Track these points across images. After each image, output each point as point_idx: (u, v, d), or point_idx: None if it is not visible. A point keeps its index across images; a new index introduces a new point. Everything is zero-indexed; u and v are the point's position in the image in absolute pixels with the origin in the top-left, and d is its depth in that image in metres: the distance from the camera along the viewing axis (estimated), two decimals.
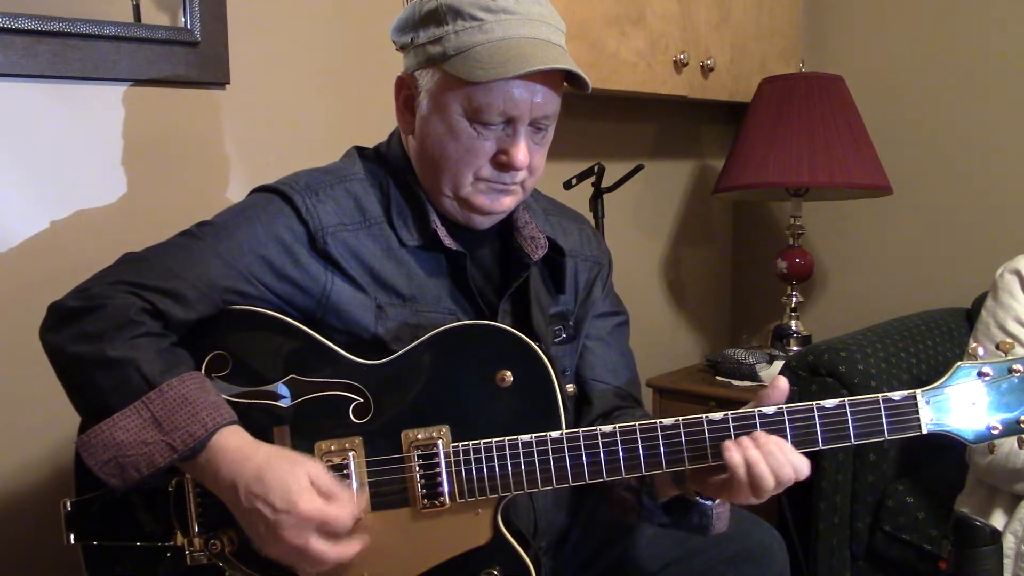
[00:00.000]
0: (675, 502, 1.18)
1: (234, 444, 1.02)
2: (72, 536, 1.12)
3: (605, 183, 2.12)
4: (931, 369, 2.06)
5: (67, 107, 1.51)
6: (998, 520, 1.63)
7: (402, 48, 1.20)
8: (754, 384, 2.38)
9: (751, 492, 1.05)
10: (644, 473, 1.10)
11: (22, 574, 1.49)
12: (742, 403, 1.13)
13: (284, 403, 1.11)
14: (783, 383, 1.10)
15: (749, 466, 1.04)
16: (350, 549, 1.04)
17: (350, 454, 1.09)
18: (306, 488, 1.01)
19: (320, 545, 1.01)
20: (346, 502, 1.03)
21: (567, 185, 2.06)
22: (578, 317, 1.33)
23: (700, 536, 1.20)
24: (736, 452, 1.05)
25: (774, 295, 2.71)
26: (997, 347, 1.12)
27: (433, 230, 1.19)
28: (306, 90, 1.82)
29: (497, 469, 1.09)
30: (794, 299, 2.57)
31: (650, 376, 2.53)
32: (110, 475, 1.01)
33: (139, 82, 1.58)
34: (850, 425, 1.08)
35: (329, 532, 1.01)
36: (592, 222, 1.91)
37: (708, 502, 1.15)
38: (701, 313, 2.94)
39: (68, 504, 1.12)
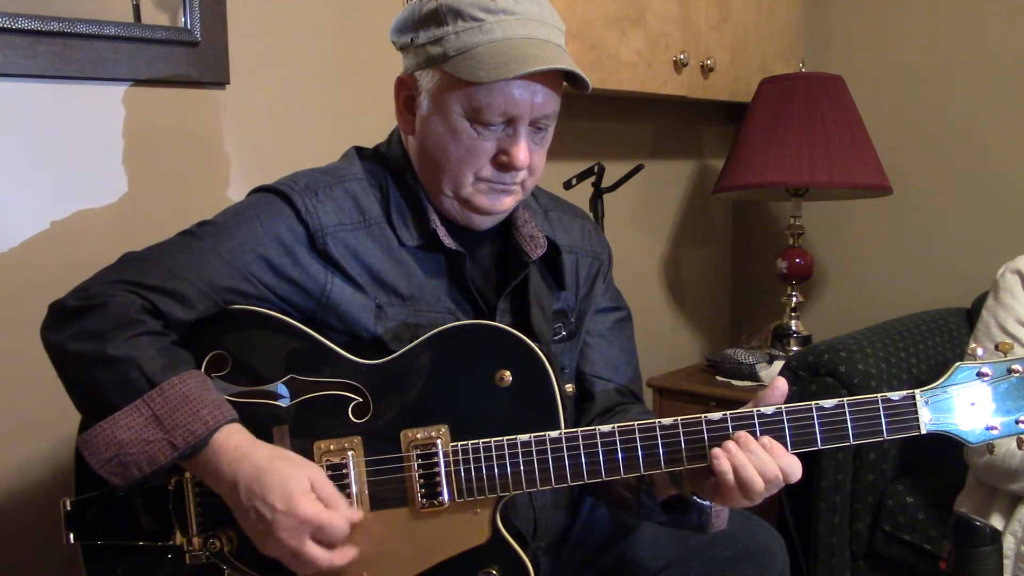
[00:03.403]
0: (674, 501, 1.18)
1: (235, 442, 1.03)
2: (72, 535, 1.12)
3: (605, 183, 2.12)
4: (931, 369, 2.06)
5: (67, 107, 1.51)
6: (996, 521, 1.63)
7: (401, 49, 1.20)
8: (754, 384, 2.38)
9: (742, 495, 1.05)
10: (643, 473, 1.10)
11: (22, 574, 1.49)
12: (742, 403, 1.13)
13: (283, 403, 1.11)
14: (782, 384, 1.10)
15: (736, 470, 1.04)
16: (344, 556, 1.04)
17: (349, 454, 1.09)
18: (306, 491, 1.01)
19: (314, 549, 1.01)
20: (344, 510, 1.04)
21: (567, 185, 2.06)
22: (579, 313, 1.33)
23: (699, 534, 1.20)
24: (724, 459, 1.05)
25: (774, 295, 2.71)
26: (996, 347, 1.12)
27: (432, 230, 1.19)
28: (306, 90, 1.82)
29: (496, 469, 1.09)
30: (794, 299, 2.57)
31: (650, 376, 2.53)
32: (111, 474, 1.01)
33: (139, 82, 1.58)
34: (849, 425, 1.08)
35: (324, 538, 1.02)
36: None
37: (706, 502, 1.15)
38: (701, 313, 2.94)
39: (68, 503, 1.12)
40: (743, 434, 1.07)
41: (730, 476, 1.04)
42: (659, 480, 1.16)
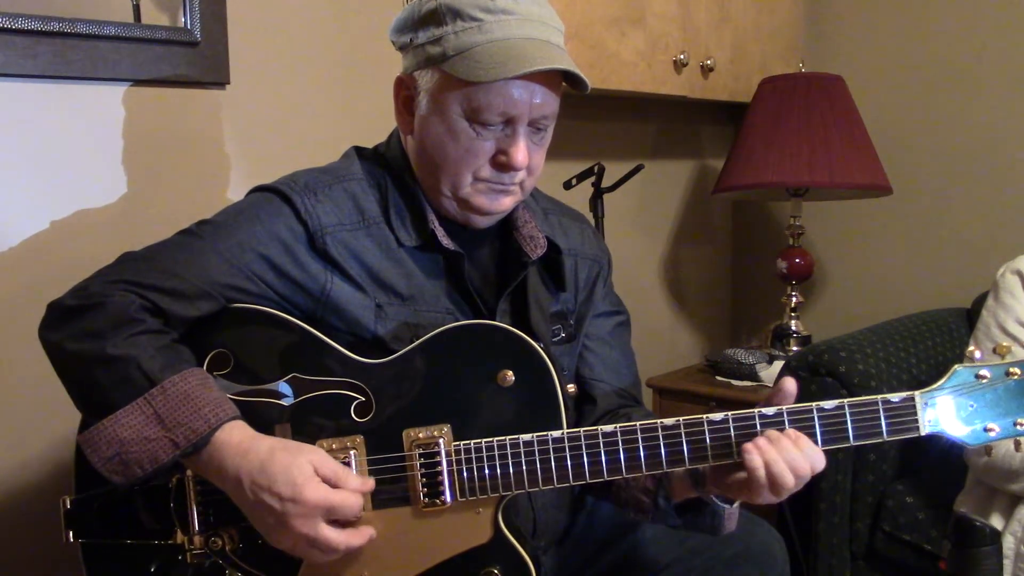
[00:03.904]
0: (689, 504, 1.18)
1: (236, 438, 1.02)
2: (72, 534, 1.12)
3: (605, 183, 2.12)
4: (931, 369, 2.06)
5: (67, 107, 1.51)
6: (996, 521, 1.63)
7: (401, 48, 1.20)
8: (754, 384, 2.38)
9: (771, 491, 1.05)
10: (644, 473, 1.10)
11: (22, 573, 1.49)
12: (742, 403, 1.13)
13: (286, 402, 1.11)
14: (792, 386, 1.10)
15: (768, 465, 1.04)
16: (361, 536, 1.04)
17: (352, 453, 1.09)
18: (310, 476, 1.01)
19: (329, 533, 1.01)
20: (353, 486, 1.03)
21: (567, 185, 2.06)
22: (578, 316, 1.33)
23: (710, 536, 1.20)
24: (756, 455, 1.05)
25: (774, 295, 2.71)
26: (994, 350, 1.13)
27: (431, 230, 1.19)
28: (306, 90, 1.82)
29: (498, 468, 1.09)
30: (794, 299, 2.57)
31: (650, 376, 2.53)
32: (113, 472, 1.01)
33: (139, 82, 1.58)
34: (849, 426, 1.08)
35: (339, 517, 1.02)
36: (592, 222, 1.91)
37: (724, 505, 1.15)
38: (701, 313, 2.94)
39: (68, 502, 1.12)
40: (773, 432, 1.07)
41: (761, 472, 1.04)
42: (677, 483, 1.17)
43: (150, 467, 1.01)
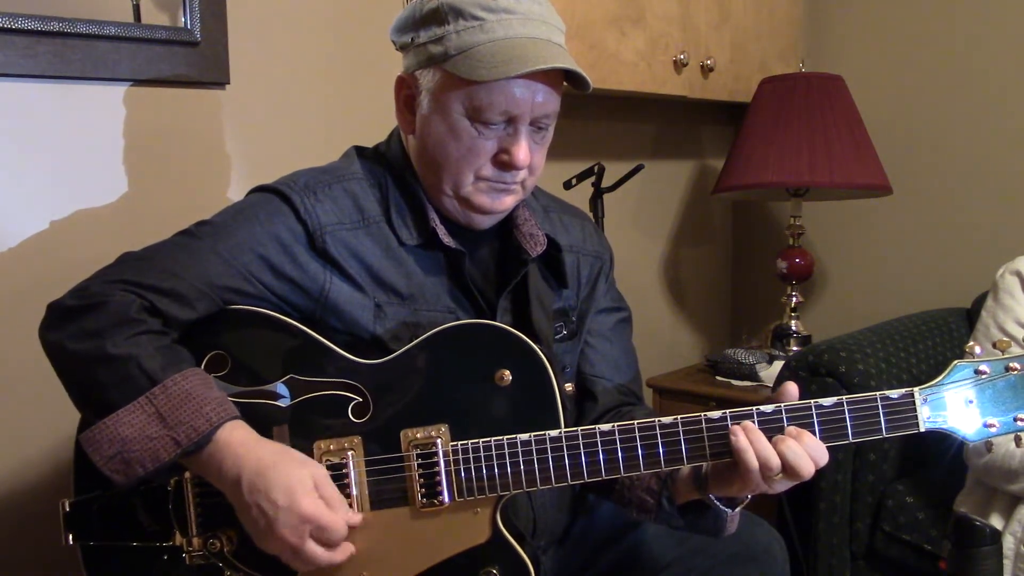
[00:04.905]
0: (692, 506, 1.18)
1: (238, 438, 1.03)
2: (71, 536, 1.12)
3: (605, 183, 2.12)
4: (931, 369, 2.06)
5: (67, 107, 1.51)
6: (996, 522, 1.63)
7: (402, 48, 1.20)
8: (754, 384, 2.38)
9: (763, 478, 1.05)
10: (643, 472, 1.10)
11: (22, 573, 1.49)
12: (742, 403, 1.13)
13: (283, 403, 1.11)
14: (794, 392, 1.10)
15: (754, 443, 1.04)
16: (343, 553, 1.05)
17: (349, 453, 1.10)
18: (310, 489, 1.02)
19: (313, 547, 1.02)
20: (343, 513, 1.05)
21: (567, 185, 2.06)
22: (580, 313, 1.33)
23: (712, 537, 1.20)
24: (741, 436, 1.05)
25: (774, 295, 2.71)
26: (994, 345, 1.12)
27: (432, 228, 1.19)
28: (306, 90, 1.82)
29: (496, 468, 1.09)
30: (794, 299, 2.57)
31: (650, 376, 2.53)
32: (114, 471, 1.01)
33: (139, 82, 1.58)
34: (848, 423, 1.08)
35: (323, 537, 1.02)
36: None
37: (727, 509, 1.15)
38: (701, 313, 2.94)
39: (67, 504, 1.12)
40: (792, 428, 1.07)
41: (750, 453, 1.04)
42: (681, 485, 1.17)
43: (152, 466, 1.01)
